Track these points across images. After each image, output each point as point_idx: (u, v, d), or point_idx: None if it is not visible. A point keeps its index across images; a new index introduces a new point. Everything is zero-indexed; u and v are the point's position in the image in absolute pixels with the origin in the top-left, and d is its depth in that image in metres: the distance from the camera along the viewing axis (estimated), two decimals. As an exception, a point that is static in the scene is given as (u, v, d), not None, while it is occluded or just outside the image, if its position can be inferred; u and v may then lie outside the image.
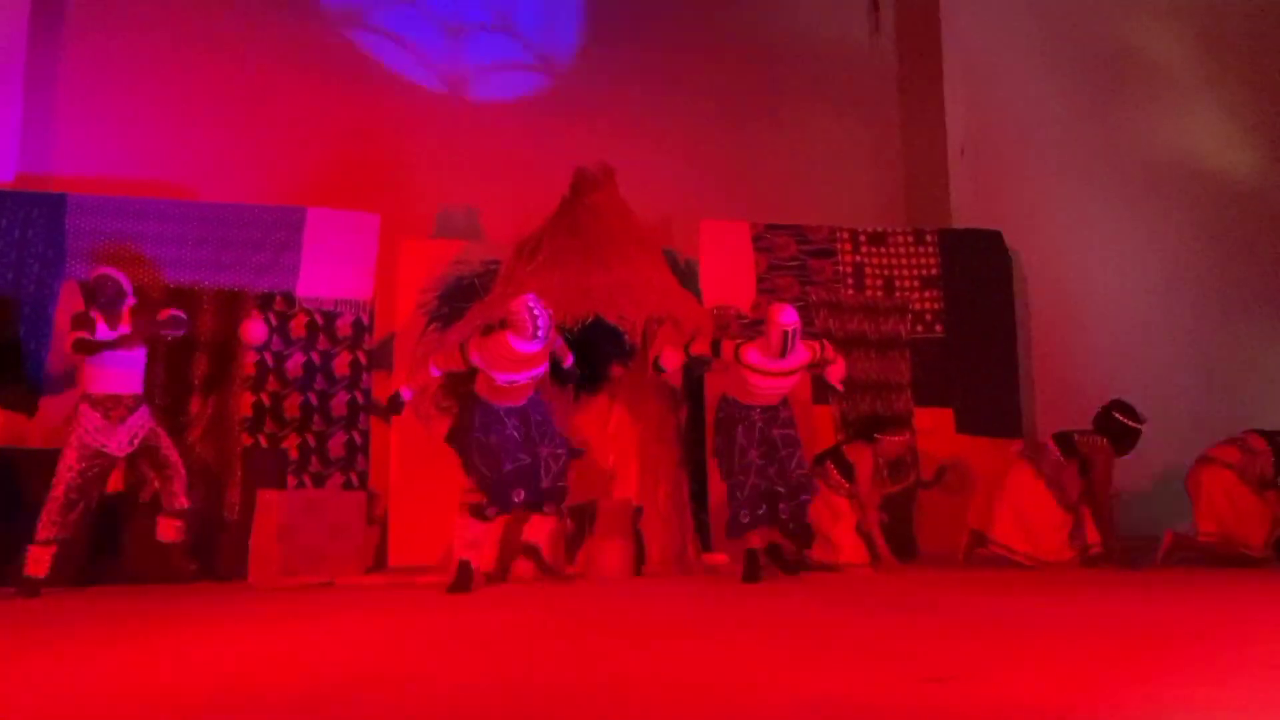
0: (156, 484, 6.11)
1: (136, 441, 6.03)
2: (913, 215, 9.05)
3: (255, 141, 7.92)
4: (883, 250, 8.10)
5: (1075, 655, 3.32)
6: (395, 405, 5.86)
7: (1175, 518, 7.02)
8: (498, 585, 5.98)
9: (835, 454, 6.82)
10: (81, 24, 7.77)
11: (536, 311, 5.54)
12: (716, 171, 8.76)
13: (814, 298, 7.92)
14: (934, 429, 7.73)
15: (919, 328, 8.05)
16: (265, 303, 7.01)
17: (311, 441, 6.96)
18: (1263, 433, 6.69)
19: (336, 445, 7.01)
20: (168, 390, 6.67)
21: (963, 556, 6.81)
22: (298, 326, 7.06)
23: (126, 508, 6.41)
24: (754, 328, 7.15)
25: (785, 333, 5.70)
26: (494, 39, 8.65)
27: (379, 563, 7.21)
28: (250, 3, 8.10)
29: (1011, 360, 8.13)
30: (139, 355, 6.09)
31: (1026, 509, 6.65)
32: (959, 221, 8.59)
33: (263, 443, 6.86)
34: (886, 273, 8.07)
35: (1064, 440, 6.78)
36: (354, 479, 7.02)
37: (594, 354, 6.85)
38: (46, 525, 5.73)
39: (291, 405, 6.96)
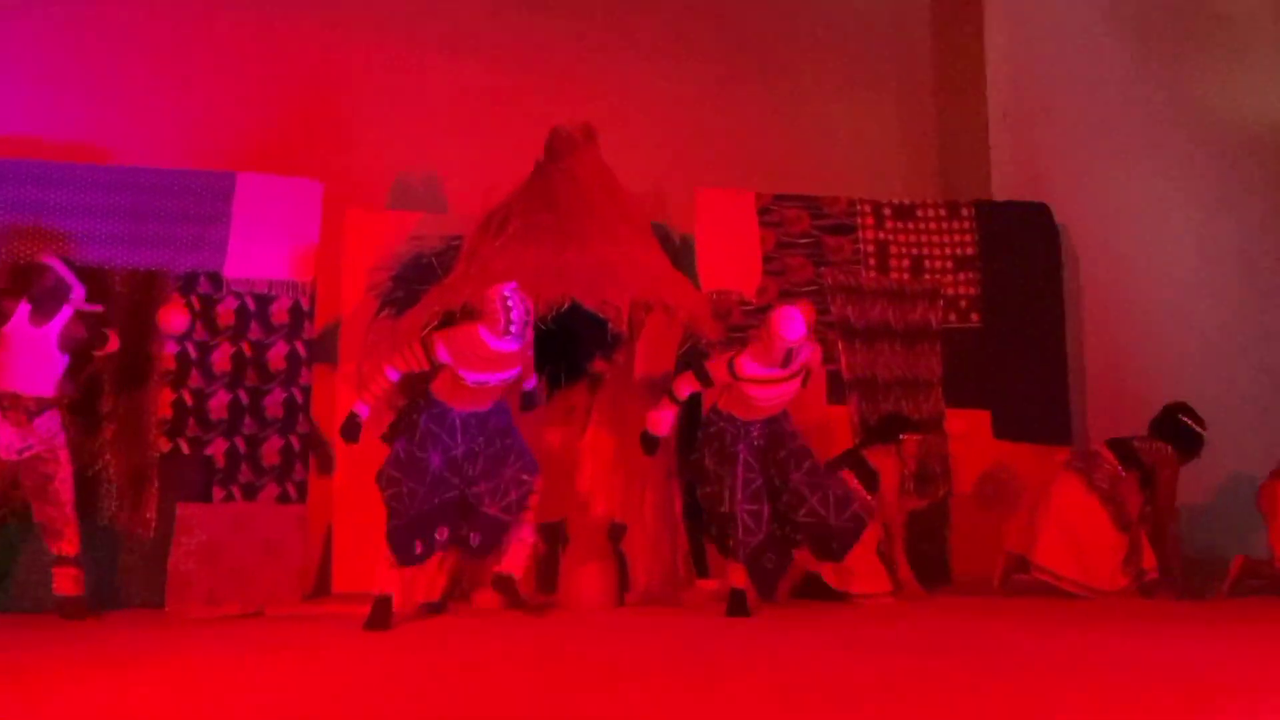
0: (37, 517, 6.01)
1: (27, 454, 5.93)
2: (947, 187, 9.00)
3: (179, 97, 7.82)
4: (910, 226, 8.04)
5: (1130, 712, 3.19)
6: (351, 430, 5.69)
7: (1243, 540, 6.97)
8: (452, 617, 5.94)
9: (854, 459, 6.73)
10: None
11: (511, 304, 5.45)
12: (719, 134, 8.68)
13: (829, 280, 7.85)
14: (968, 433, 7.69)
15: (952, 316, 8.01)
16: (188, 284, 6.92)
17: (241, 447, 6.88)
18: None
19: (270, 451, 6.93)
20: (73, 385, 6.56)
21: (999, 583, 6.74)
22: (225, 312, 6.97)
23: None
24: (759, 316, 7.03)
25: (787, 350, 5.65)
26: (460, -22, 8.57)
27: (321, 588, 7.19)
28: (173, -63, 8.02)
29: (1059, 354, 8.06)
30: (56, 357, 6.02)
31: (1076, 528, 6.59)
32: (1000, 193, 8.50)
33: (184, 448, 6.79)
34: (915, 251, 8.01)
35: (1121, 448, 6.73)
36: (290, 490, 6.94)
37: (571, 346, 6.81)
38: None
39: (218, 405, 6.88)
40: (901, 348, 7.82)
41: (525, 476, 5.78)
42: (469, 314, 6.09)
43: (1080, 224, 8.50)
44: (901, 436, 6.77)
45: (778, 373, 5.79)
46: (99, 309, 6.42)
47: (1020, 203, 8.28)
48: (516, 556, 5.81)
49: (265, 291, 7.05)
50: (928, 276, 8.01)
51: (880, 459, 6.70)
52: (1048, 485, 6.78)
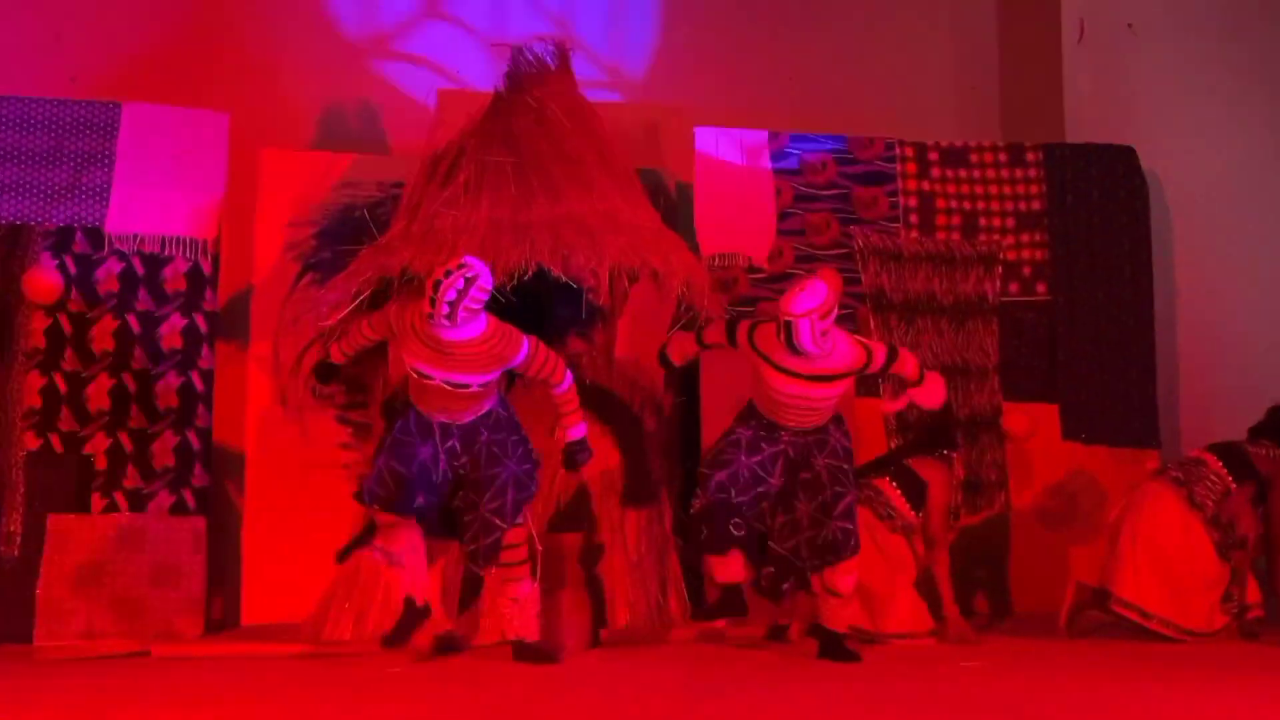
0: None
1: None
2: (1010, 127, 8.89)
3: (52, 11, 7.74)
4: (963, 174, 7.94)
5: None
6: (325, 369, 6.03)
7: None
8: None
9: (898, 467, 6.60)
10: None
11: (446, 281, 5.29)
12: (729, 62, 8.67)
13: (860, 242, 7.74)
14: (1031, 433, 7.51)
15: (1013, 286, 7.91)
16: (61, 242, 6.85)
17: (127, 444, 6.80)
18: None
19: (164, 450, 6.87)
20: None
21: (1067, 621, 6.54)
22: (107, 277, 6.89)
23: None
24: (774, 287, 7.03)
25: (785, 323, 5.45)
26: None
27: (229, 621, 7.16)
28: None
29: (1145, 335, 7.96)
30: None
31: (1170, 555, 6.41)
32: (1075, 135, 8.38)
33: (56, 445, 6.72)
34: (968, 206, 7.92)
35: (1230, 454, 6.55)
36: (188, 499, 6.89)
37: (536, 324, 6.56)
38: None
39: (98, 392, 6.79)
40: (949, 326, 7.77)
41: (498, 520, 5.71)
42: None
43: (1174, 172, 8.42)
44: (947, 453, 6.70)
45: (796, 363, 5.61)
46: None
47: (1100, 146, 8.14)
48: (521, 618, 5.80)
49: (157, 251, 6.99)
50: (983, 237, 7.93)
51: (931, 473, 6.59)
52: (1134, 500, 6.58)
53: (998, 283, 7.86)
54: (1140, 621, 6.38)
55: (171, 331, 6.92)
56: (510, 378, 6.31)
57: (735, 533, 5.77)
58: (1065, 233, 7.94)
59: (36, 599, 6.51)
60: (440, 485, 5.74)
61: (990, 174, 7.97)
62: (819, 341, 5.47)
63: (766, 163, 7.72)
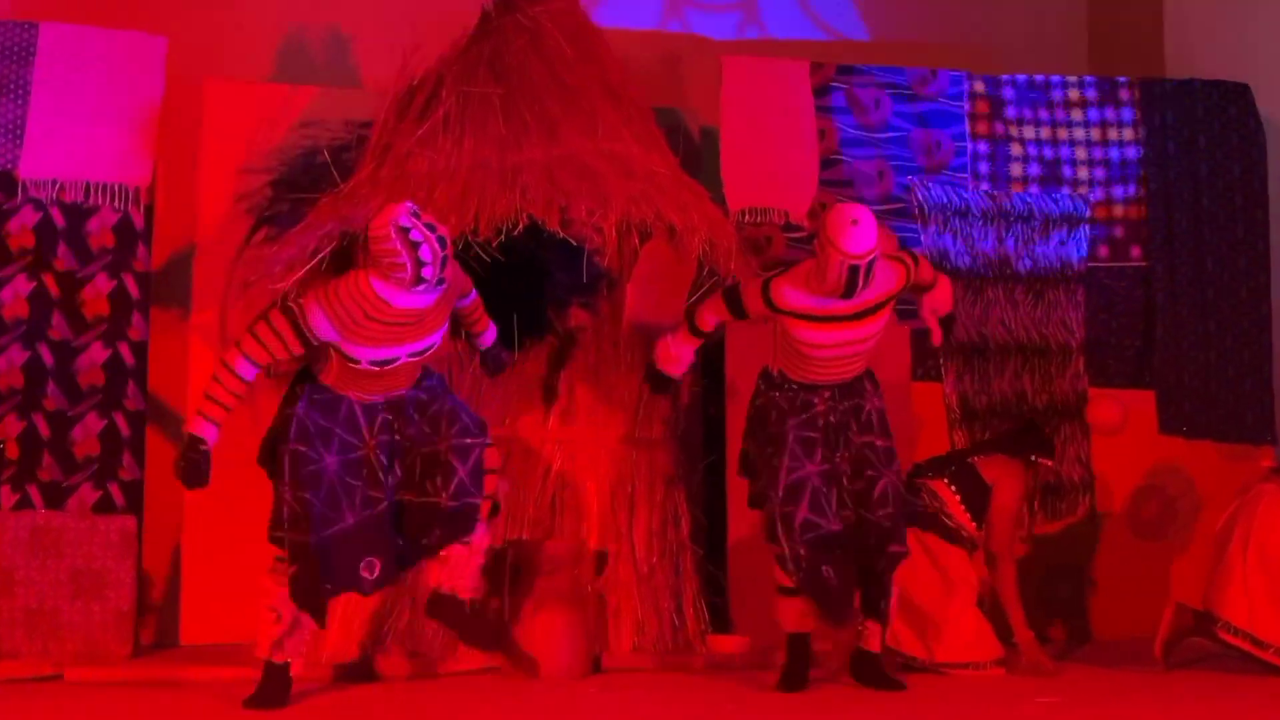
0: None
1: None
2: (1100, 61, 8.91)
3: None
4: (1043, 114, 7.94)
5: None
6: (195, 466, 5.47)
7: None
8: (354, 685, 5.88)
9: (958, 468, 6.54)
10: None
11: (416, 235, 5.17)
12: None
13: (920, 196, 7.73)
14: (1122, 425, 7.27)
15: (1103, 250, 7.90)
16: None
17: (43, 428, 6.78)
18: None
19: (87, 436, 6.84)
20: None
21: (1162, 649, 6.45)
22: (20, 230, 6.84)
23: None
24: (807, 248, 6.98)
25: (850, 268, 5.44)
26: None
27: (164, 639, 7.17)
28: None
29: (1261, 309, 7.95)
30: None
31: None
32: (1178, 71, 8.38)
33: None
34: (1050, 154, 7.91)
35: None
36: (115, 494, 6.85)
37: (529, 287, 6.84)
38: None
39: (9, 366, 6.77)
40: (1025, 297, 7.77)
41: (470, 439, 5.63)
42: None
43: None
44: (1036, 459, 6.62)
45: (838, 305, 5.58)
46: None
47: (1208, 82, 8.12)
48: (460, 567, 5.64)
49: (80, 200, 6.94)
50: (1067, 191, 7.88)
51: (999, 472, 6.52)
52: (1244, 505, 6.50)
53: (1084, 245, 7.85)
54: (1253, 651, 6.30)
55: (96, 296, 6.87)
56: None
57: (832, 585, 5.73)
58: (1165, 186, 7.94)
59: (-63, 612, 6.52)
60: (377, 476, 5.61)
61: (1076, 115, 7.94)
62: (875, 276, 5.50)
63: (808, 100, 7.69)
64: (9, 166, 6.82)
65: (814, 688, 5.82)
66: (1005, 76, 7.97)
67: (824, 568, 5.68)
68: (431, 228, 5.21)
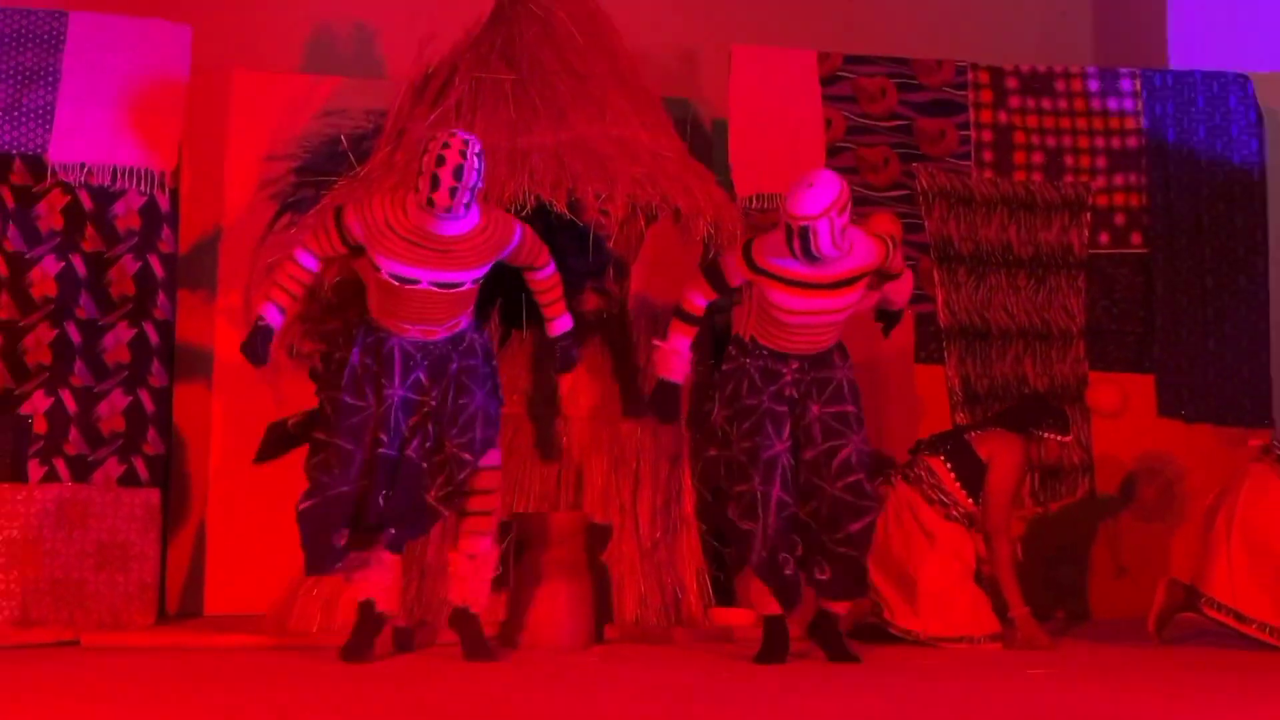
0: None
1: None
2: (1105, 53, 8.89)
3: None
4: (1047, 104, 7.86)
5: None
6: (255, 342, 5.53)
7: None
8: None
9: (954, 444, 6.39)
10: None
11: (449, 156, 5.09)
12: None
13: (925, 183, 7.65)
14: (1122, 408, 7.24)
15: (1104, 236, 7.82)
16: None
17: (70, 404, 6.74)
18: None
19: (112, 412, 6.81)
20: None
21: (1154, 624, 6.33)
22: (50, 211, 6.82)
23: None
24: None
25: (800, 229, 5.26)
26: None
27: (190, 609, 7.15)
28: None
29: (1259, 296, 7.84)
30: None
31: (1272, 548, 6.15)
32: (1181, 62, 8.35)
33: None
34: (1052, 142, 7.84)
35: None
36: (140, 468, 6.81)
37: None
38: None
39: (38, 344, 6.74)
40: (1027, 282, 7.69)
41: (466, 456, 5.55)
42: None
43: None
44: (1043, 434, 6.42)
45: (815, 273, 5.42)
46: None
47: (1209, 73, 8.04)
48: (471, 581, 5.64)
49: (107, 183, 6.91)
50: (1069, 178, 7.83)
51: (998, 447, 6.35)
52: (1232, 485, 6.36)
53: (1086, 232, 7.78)
54: (1236, 626, 6.15)
55: (123, 276, 6.84)
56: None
57: (786, 573, 5.55)
58: (1166, 175, 7.86)
59: (-34, 580, 6.51)
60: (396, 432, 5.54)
61: (1079, 105, 7.88)
62: (839, 241, 5.30)
63: (815, 89, 7.65)
64: (39, 150, 6.82)
65: (804, 660, 5.69)
66: (1009, 67, 7.89)
67: (782, 554, 5.51)
68: (465, 155, 5.10)
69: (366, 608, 5.49)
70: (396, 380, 5.49)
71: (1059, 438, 6.37)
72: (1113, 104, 7.85)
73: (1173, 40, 8.40)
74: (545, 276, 5.70)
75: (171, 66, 7.02)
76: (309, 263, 5.50)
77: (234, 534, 7.10)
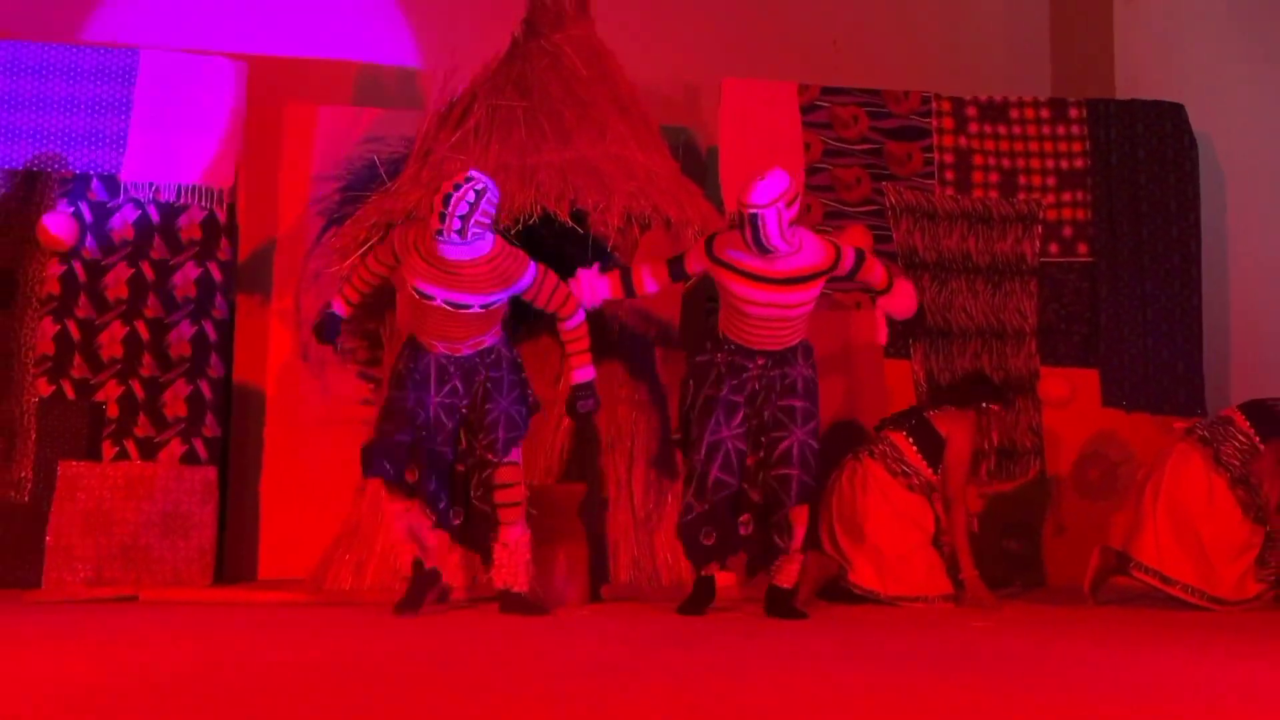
0: None
1: None
2: (1060, 88, 8.67)
3: None
4: (1002, 129, 7.78)
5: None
6: (325, 325, 5.68)
7: None
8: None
9: (916, 422, 6.34)
10: None
11: (455, 193, 5.13)
12: (764, 14, 8.46)
13: (893, 199, 7.57)
14: (1069, 398, 7.40)
15: (1053, 246, 7.72)
16: (77, 189, 6.78)
17: (139, 392, 6.74)
18: None
19: (175, 399, 6.80)
20: None
21: (1089, 587, 6.26)
22: (122, 225, 6.82)
23: None
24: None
25: (749, 216, 5.18)
26: None
27: (245, 573, 7.12)
28: None
29: (1191, 299, 7.73)
30: None
31: (1194, 518, 6.09)
32: (1125, 90, 8.22)
33: (69, 392, 6.67)
34: (1006, 163, 7.75)
35: (1258, 412, 6.20)
36: (199, 448, 6.80)
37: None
38: None
39: (111, 339, 6.75)
40: (985, 287, 7.59)
41: (490, 456, 5.54)
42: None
43: (1227, 135, 8.21)
44: (985, 405, 6.36)
45: (768, 268, 5.33)
46: None
47: (1147, 102, 7.92)
48: (510, 566, 5.58)
49: (172, 199, 6.93)
50: (1023, 195, 7.73)
51: (954, 424, 6.29)
52: (1159, 461, 6.30)
53: (1037, 243, 7.68)
54: (1161, 587, 6.09)
55: (185, 280, 6.83)
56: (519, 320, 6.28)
57: (709, 543, 5.50)
58: (1109, 192, 7.74)
59: (46, 545, 6.45)
60: (436, 431, 5.54)
61: (1031, 130, 7.78)
62: (787, 234, 5.21)
63: (795, 116, 7.55)
64: (113, 171, 6.82)
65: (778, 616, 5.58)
66: (968, 97, 7.79)
67: (707, 527, 5.44)
68: (478, 191, 5.12)
69: (418, 566, 5.50)
70: (433, 389, 5.51)
71: (997, 407, 6.34)
72: (1061, 130, 7.75)
73: (1119, 72, 8.24)
74: (572, 327, 5.58)
75: (229, 97, 7.02)
76: (377, 269, 5.56)
77: (284, 507, 7.09)
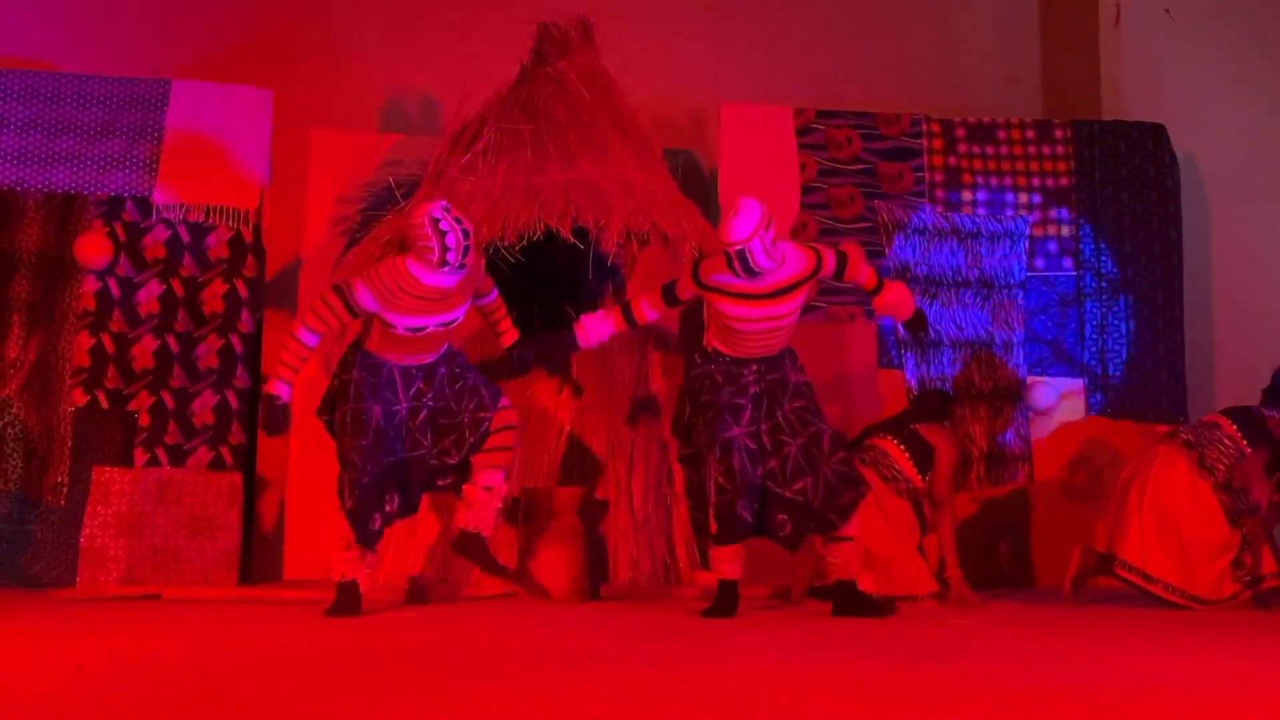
0: None
1: None
2: (1051, 111, 8.48)
3: None
4: (990, 149, 7.61)
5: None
6: (274, 418, 5.36)
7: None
8: (406, 607, 5.61)
9: (904, 430, 6.16)
10: None
11: (445, 225, 5.06)
12: (765, 43, 8.35)
13: (885, 216, 7.42)
14: (1057, 406, 7.28)
15: (1040, 261, 7.53)
16: (111, 211, 6.71)
17: (169, 402, 6.67)
18: None
19: (203, 408, 6.72)
20: None
21: (1070, 585, 6.05)
22: (154, 243, 6.75)
23: None
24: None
25: (733, 252, 5.08)
26: None
27: (272, 573, 7.00)
28: None
29: (1174, 311, 7.54)
30: None
31: (1177, 519, 5.90)
32: (1111, 111, 8.07)
33: (103, 402, 6.59)
34: (994, 181, 7.58)
35: (1245, 418, 6.00)
36: (225, 455, 6.71)
37: (545, 285, 6.60)
38: None
39: (143, 352, 6.67)
40: (974, 300, 7.43)
41: (482, 414, 5.47)
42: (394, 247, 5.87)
43: (1210, 154, 8.04)
44: (950, 417, 6.37)
45: (754, 285, 5.20)
46: None
47: (1128, 123, 7.76)
48: (482, 510, 5.48)
49: (201, 220, 6.84)
50: (1010, 212, 7.56)
51: (940, 436, 6.15)
52: (1142, 463, 6.10)
53: (1024, 257, 7.51)
54: (1144, 586, 5.88)
55: (213, 296, 6.75)
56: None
57: (747, 517, 5.27)
58: (1093, 209, 7.57)
59: (80, 546, 6.39)
60: (404, 435, 5.42)
61: (1018, 150, 7.62)
62: (772, 253, 5.10)
63: (791, 138, 7.41)
64: (146, 193, 6.73)
65: (772, 612, 5.53)
66: (957, 119, 7.63)
67: (739, 503, 5.20)
68: (458, 220, 5.08)
69: (350, 588, 5.27)
70: (400, 394, 5.39)
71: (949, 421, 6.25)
72: (1046, 149, 7.59)
73: (1105, 94, 8.09)
74: (493, 301, 5.61)
75: (256, 124, 6.93)
76: (310, 340, 5.29)
77: (308, 510, 6.90)
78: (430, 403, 5.44)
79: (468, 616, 5.25)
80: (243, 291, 6.81)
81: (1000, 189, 7.55)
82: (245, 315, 6.80)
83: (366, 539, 5.30)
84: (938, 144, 7.53)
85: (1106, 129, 7.67)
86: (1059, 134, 7.61)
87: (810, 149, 7.42)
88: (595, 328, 5.49)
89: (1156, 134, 7.63)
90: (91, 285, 6.61)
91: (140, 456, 6.56)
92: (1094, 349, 7.42)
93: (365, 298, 5.19)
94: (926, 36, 8.48)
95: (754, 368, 5.38)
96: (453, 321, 5.35)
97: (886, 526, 5.97)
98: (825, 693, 3.10)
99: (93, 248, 6.52)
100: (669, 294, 5.45)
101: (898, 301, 5.62)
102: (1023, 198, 7.57)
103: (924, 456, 6.05)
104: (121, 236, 6.67)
